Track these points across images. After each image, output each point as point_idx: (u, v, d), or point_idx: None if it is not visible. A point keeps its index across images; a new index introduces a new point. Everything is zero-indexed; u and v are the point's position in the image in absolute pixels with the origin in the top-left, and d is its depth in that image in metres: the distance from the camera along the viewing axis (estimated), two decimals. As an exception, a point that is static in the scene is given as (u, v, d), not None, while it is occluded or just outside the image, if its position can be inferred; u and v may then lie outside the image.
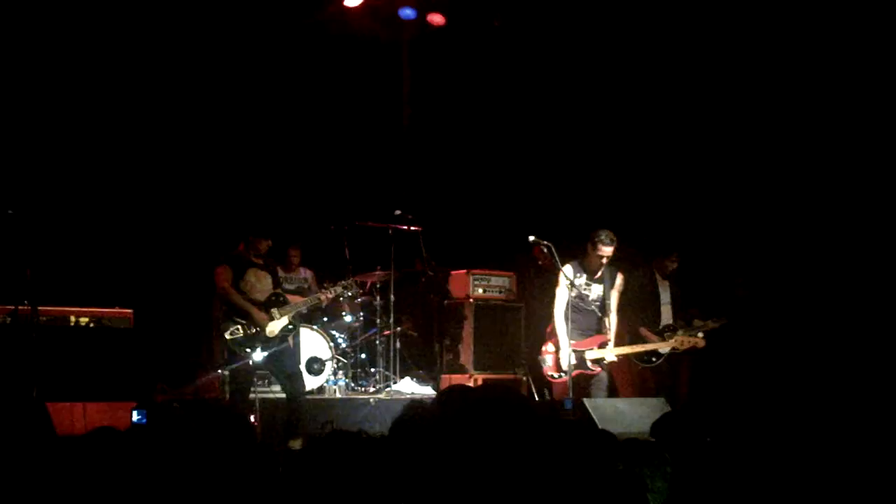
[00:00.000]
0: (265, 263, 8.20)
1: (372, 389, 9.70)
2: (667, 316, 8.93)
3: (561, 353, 8.16)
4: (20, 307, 6.32)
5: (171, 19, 9.97)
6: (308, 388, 9.35)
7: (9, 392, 6.49)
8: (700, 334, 8.45)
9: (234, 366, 8.40)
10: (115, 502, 2.90)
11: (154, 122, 10.30)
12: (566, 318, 8.10)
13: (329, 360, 9.37)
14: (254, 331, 7.89)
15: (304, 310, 8.45)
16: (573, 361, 8.04)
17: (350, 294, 8.73)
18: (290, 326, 8.06)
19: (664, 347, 8.50)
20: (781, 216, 9.83)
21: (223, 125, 10.69)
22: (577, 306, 8.21)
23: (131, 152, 10.19)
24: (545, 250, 8.18)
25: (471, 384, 9.71)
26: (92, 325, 6.62)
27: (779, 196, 9.86)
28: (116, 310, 6.80)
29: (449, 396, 3.76)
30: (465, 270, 10.26)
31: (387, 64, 11.31)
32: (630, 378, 9.08)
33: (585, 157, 11.03)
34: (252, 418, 8.27)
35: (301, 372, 8.32)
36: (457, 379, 10.01)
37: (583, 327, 8.24)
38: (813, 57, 9.46)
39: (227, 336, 7.84)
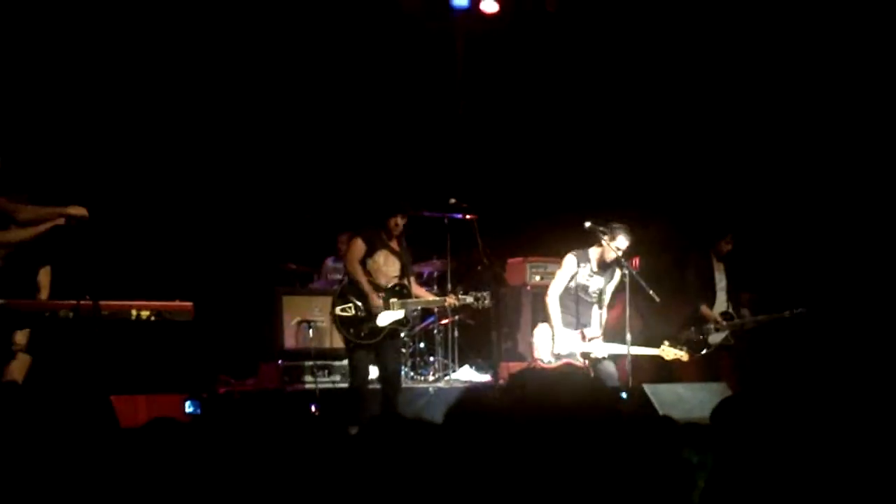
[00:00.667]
0: (399, 249, 8.00)
1: (431, 378, 9.72)
2: (722, 301, 8.83)
3: (556, 338, 7.96)
4: (82, 302, 6.40)
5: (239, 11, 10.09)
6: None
7: (73, 386, 6.58)
8: (683, 350, 8.17)
9: (293, 362, 8.48)
10: (174, 492, 2.92)
11: (208, 116, 10.41)
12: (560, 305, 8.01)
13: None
14: (364, 314, 7.74)
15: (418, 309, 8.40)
16: (568, 350, 7.93)
17: (481, 306, 8.38)
18: (405, 321, 7.94)
19: (664, 355, 8.17)
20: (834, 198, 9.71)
21: (274, 114, 10.79)
22: (577, 297, 8.07)
23: (187, 145, 10.30)
24: (602, 237, 8.09)
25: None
26: (153, 318, 6.68)
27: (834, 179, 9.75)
28: (177, 303, 6.85)
29: (520, 379, 3.73)
30: (521, 258, 10.22)
31: (441, 52, 11.32)
32: (692, 362, 8.99)
33: (641, 142, 10.95)
34: (312, 407, 8.34)
35: (400, 373, 8.15)
36: (515, 367, 9.98)
37: (579, 318, 8.07)
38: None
39: (338, 312, 7.75)
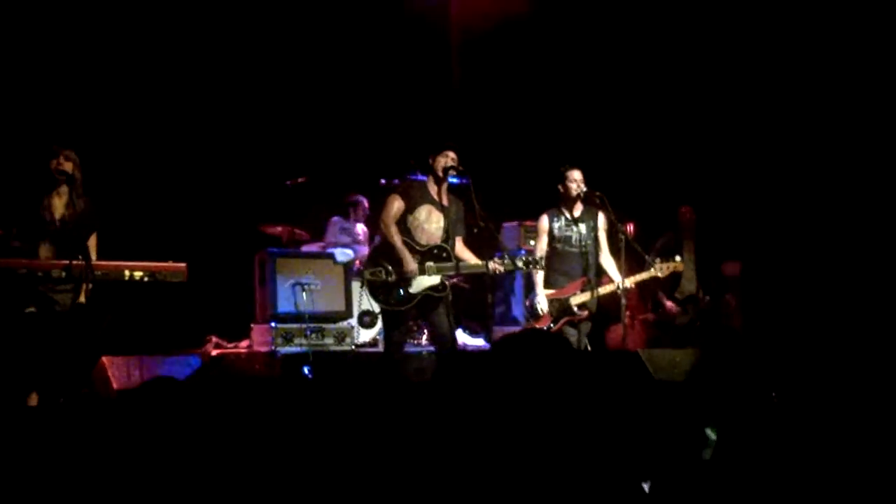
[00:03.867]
0: (447, 203, 7.29)
1: (424, 342, 9.72)
2: (690, 279, 8.72)
3: (537, 298, 7.99)
4: (74, 262, 6.35)
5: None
6: (360, 340, 9.42)
7: (65, 348, 6.55)
8: (678, 259, 8.09)
9: (286, 325, 8.41)
10: (170, 452, 2.91)
11: (201, 80, 10.39)
12: (547, 266, 7.96)
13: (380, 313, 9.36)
14: (394, 279, 7.06)
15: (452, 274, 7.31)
16: (542, 311, 7.96)
17: (533, 269, 7.69)
18: (440, 288, 7.13)
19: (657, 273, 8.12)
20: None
21: (273, 79, 10.77)
22: (562, 251, 8.05)
23: (179, 107, 10.27)
24: (598, 201, 8.08)
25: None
26: (146, 279, 6.63)
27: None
28: (170, 263, 6.80)
29: (503, 346, 3.72)
30: (517, 221, 10.21)
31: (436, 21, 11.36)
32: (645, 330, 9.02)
33: (635, 107, 10.96)
34: (305, 370, 8.32)
35: (448, 333, 7.19)
36: (509, 331, 10.00)
37: (568, 272, 8.05)
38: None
39: (367, 276, 7.15)
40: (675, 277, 8.60)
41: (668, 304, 8.54)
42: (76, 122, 9.16)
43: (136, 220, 9.39)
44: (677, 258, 8.12)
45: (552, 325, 7.96)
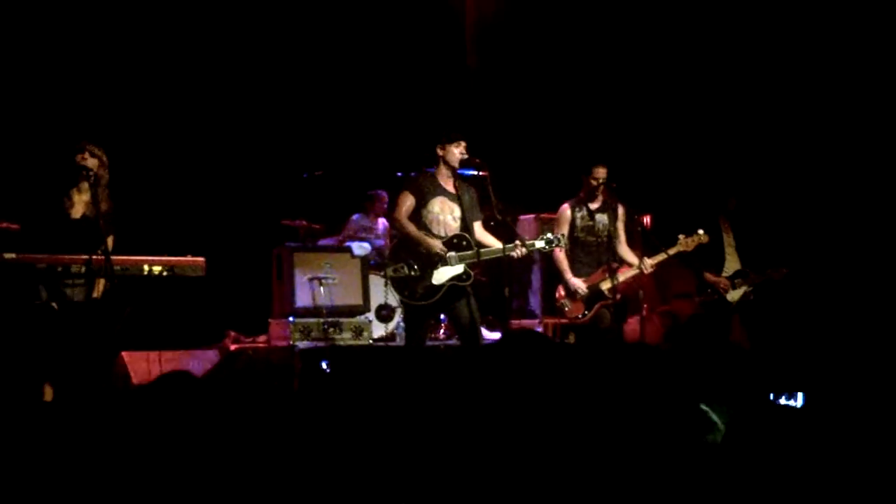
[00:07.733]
0: (458, 192, 7.21)
1: (442, 336, 9.72)
2: (734, 260, 8.65)
3: (571, 281, 7.97)
4: (94, 256, 6.38)
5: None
6: (377, 334, 9.42)
7: (85, 341, 6.58)
8: (701, 233, 8.07)
9: (303, 320, 8.43)
10: (186, 447, 2.91)
11: (219, 75, 10.42)
12: (568, 256, 7.99)
13: (398, 306, 9.37)
14: (418, 273, 7.06)
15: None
16: (582, 293, 7.92)
17: (554, 248, 7.58)
18: (465, 277, 7.12)
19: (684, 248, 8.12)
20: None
21: (293, 73, 10.79)
22: (585, 241, 8.07)
23: (198, 102, 10.30)
24: (614, 193, 8.08)
25: (540, 329, 9.67)
26: (165, 273, 6.65)
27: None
28: (189, 258, 6.82)
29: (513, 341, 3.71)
30: (533, 215, 10.18)
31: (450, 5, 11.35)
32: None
33: (655, 95, 10.91)
34: (323, 364, 8.32)
35: (473, 326, 7.21)
36: (527, 324, 9.99)
37: (591, 261, 8.07)
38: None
39: (390, 273, 7.16)
40: (717, 259, 8.50)
41: (716, 278, 8.40)
42: (98, 118, 9.20)
43: (155, 214, 9.42)
44: (700, 231, 8.08)
45: (587, 311, 7.96)
